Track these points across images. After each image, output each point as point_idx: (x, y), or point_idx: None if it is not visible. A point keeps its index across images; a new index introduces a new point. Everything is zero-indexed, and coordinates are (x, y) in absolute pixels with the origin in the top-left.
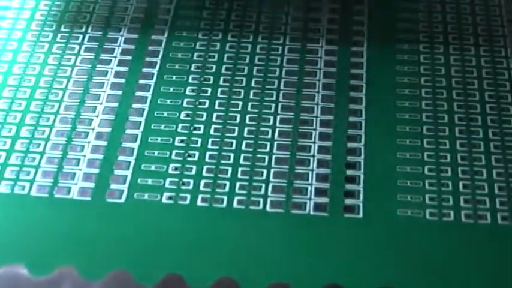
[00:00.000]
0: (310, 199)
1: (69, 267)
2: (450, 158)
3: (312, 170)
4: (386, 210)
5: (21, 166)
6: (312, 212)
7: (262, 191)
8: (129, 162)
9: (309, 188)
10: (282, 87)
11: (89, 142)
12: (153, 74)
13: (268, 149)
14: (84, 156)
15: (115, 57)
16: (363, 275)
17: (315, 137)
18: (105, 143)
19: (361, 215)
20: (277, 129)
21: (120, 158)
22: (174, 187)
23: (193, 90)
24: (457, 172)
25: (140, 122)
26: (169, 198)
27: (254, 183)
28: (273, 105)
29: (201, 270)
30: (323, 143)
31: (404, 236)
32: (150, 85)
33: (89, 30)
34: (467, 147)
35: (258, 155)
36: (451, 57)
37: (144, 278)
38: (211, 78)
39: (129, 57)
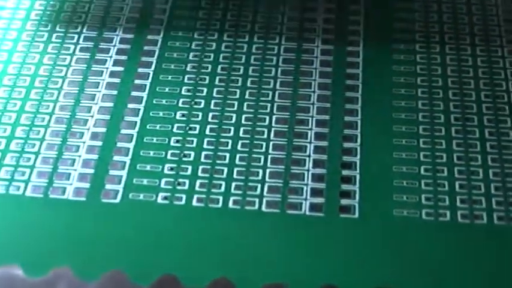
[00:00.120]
0: (306, 199)
1: (65, 268)
2: (446, 158)
3: (308, 170)
4: (382, 210)
5: (16, 166)
6: (307, 212)
7: (258, 191)
8: (125, 162)
9: (305, 188)
10: (277, 87)
11: (84, 142)
12: (148, 74)
13: (264, 149)
14: (80, 156)
15: (110, 57)
16: (359, 275)
17: (310, 137)
18: (100, 143)
19: (357, 215)
20: (273, 129)
21: (116, 158)
22: (170, 187)
23: (188, 90)
24: (453, 172)
25: (135, 122)
26: (165, 198)
27: (250, 184)
28: (269, 105)
29: (197, 270)
30: (319, 142)
31: (401, 236)
32: (145, 85)
33: (84, 30)
34: (463, 147)
35: (254, 155)
36: (447, 57)
37: (139, 278)
38: (207, 78)
39: (124, 57)
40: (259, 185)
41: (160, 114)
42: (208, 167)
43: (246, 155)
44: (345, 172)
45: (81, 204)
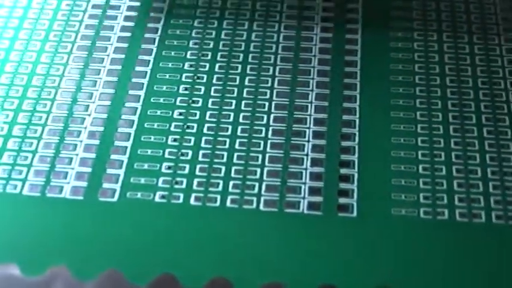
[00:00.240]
0: (304, 198)
1: (62, 267)
2: (444, 157)
3: (306, 169)
4: (380, 209)
5: (14, 165)
6: (305, 211)
7: (256, 190)
8: (122, 161)
9: (303, 186)
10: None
11: (81, 141)
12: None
13: (261, 148)
14: (77, 155)
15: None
16: (357, 274)
17: (308, 136)
18: (97, 142)
19: (355, 214)
20: (270, 128)
21: (113, 156)
22: (167, 186)
23: (186, 89)
24: (452, 171)
25: (133, 121)
26: (162, 197)
27: (248, 182)
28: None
29: (195, 269)
30: (316, 141)
31: (399, 235)
32: (143, 83)
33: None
34: (461, 145)
35: (252, 154)
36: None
37: (137, 277)
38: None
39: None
40: (257, 184)
41: (158, 112)
42: (206, 165)
43: (243, 153)
44: (343, 171)
45: (78, 203)
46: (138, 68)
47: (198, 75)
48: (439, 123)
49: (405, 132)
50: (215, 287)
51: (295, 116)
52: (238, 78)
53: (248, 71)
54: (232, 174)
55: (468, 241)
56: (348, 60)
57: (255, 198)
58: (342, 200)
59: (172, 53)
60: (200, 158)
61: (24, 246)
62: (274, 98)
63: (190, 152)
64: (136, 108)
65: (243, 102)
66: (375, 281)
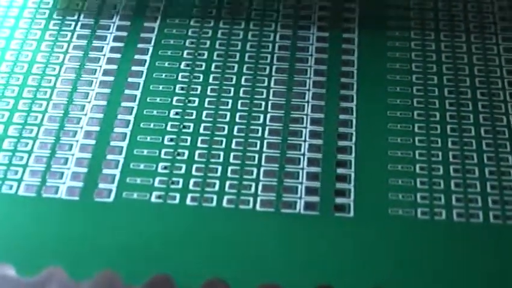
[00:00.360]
0: (300, 198)
1: (57, 267)
2: (441, 157)
3: (303, 169)
4: (377, 209)
5: (9, 165)
6: (302, 211)
7: (252, 190)
8: (118, 161)
9: (300, 186)
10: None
11: (77, 141)
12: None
13: (258, 148)
14: (73, 155)
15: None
16: (354, 274)
17: (305, 136)
18: (93, 142)
19: (352, 214)
20: (267, 128)
21: (109, 157)
22: (163, 186)
23: (182, 89)
24: (449, 170)
25: (129, 121)
26: (159, 197)
27: (244, 182)
28: (264, 103)
29: (190, 270)
30: (313, 141)
31: (396, 235)
32: (139, 83)
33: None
34: (459, 145)
35: (248, 154)
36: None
37: (132, 278)
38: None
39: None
40: (253, 184)
41: (155, 112)
42: (202, 165)
43: (240, 153)
44: (339, 170)
45: (74, 204)
46: (134, 68)
47: (195, 74)
48: (437, 123)
49: (402, 131)
50: (211, 287)
51: (291, 115)
52: (234, 78)
53: (245, 70)
54: (229, 174)
55: (466, 241)
56: (344, 60)
57: (251, 198)
58: (339, 200)
59: (169, 52)
60: (196, 158)
61: (19, 246)
62: (270, 97)
63: (186, 152)
64: (133, 108)
65: (240, 102)
66: (372, 281)
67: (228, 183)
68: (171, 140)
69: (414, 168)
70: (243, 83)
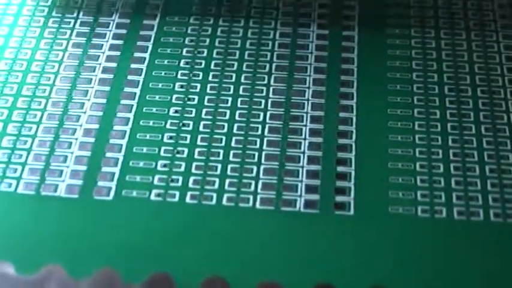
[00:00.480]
0: (300, 196)
1: (56, 266)
2: (442, 155)
3: (303, 167)
4: (377, 207)
5: (8, 163)
6: (302, 209)
7: (252, 188)
8: (117, 159)
9: (300, 185)
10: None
11: (76, 139)
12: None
13: (258, 145)
14: (72, 153)
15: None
16: (354, 272)
17: (305, 134)
18: (93, 140)
19: (352, 212)
20: (267, 126)
21: (108, 154)
22: (163, 184)
23: (182, 87)
24: (449, 168)
25: (128, 119)
26: (158, 195)
27: (244, 180)
28: (264, 101)
29: (190, 268)
30: (313, 139)
31: (396, 233)
32: (138, 81)
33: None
34: (459, 143)
35: (248, 152)
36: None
37: (132, 276)
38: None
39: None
40: (253, 182)
41: (154, 110)
42: (202, 163)
43: (240, 151)
44: (339, 168)
45: (73, 202)
46: (133, 66)
47: (194, 72)
48: (437, 121)
49: (402, 129)
50: (211, 285)
51: (291, 113)
52: (234, 75)
53: (244, 68)
54: (229, 172)
55: (466, 239)
56: (344, 57)
57: (251, 197)
58: (339, 198)
59: (168, 50)
60: (196, 156)
61: (18, 244)
62: (270, 95)
63: (186, 150)
64: (132, 105)
65: (239, 99)
66: (372, 280)
67: (227, 181)
68: (171, 137)
69: (414, 166)
70: (242, 80)
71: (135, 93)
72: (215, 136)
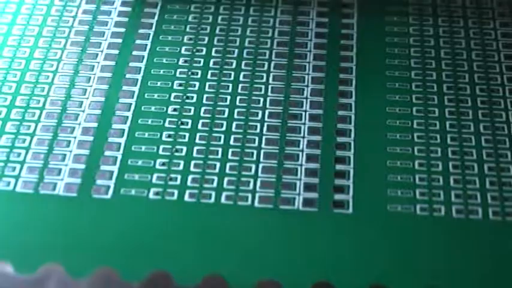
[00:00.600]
0: (299, 194)
1: (55, 265)
2: (441, 153)
3: (301, 165)
4: (376, 205)
5: (6, 162)
6: (301, 208)
7: (251, 186)
8: (116, 157)
9: (298, 183)
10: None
11: (75, 137)
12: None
13: (256, 144)
14: (71, 151)
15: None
16: (352, 271)
17: (304, 132)
18: (91, 138)
19: (350, 210)
20: (265, 124)
21: (107, 153)
22: (162, 183)
23: (180, 85)
24: (448, 166)
25: (127, 117)
26: (157, 193)
27: (242, 179)
28: (262, 99)
29: (189, 266)
30: (312, 137)
31: (395, 232)
32: (137, 79)
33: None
34: (458, 141)
35: (247, 150)
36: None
37: (131, 274)
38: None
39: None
40: (252, 180)
41: (152, 108)
42: (201, 162)
43: (238, 149)
44: (338, 167)
45: (72, 200)
46: (132, 64)
47: (194, 65)
48: (435, 119)
49: (401, 128)
50: (210, 284)
51: (290, 112)
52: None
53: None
54: (227, 171)
55: (465, 237)
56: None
57: (250, 195)
58: (338, 196)
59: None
60: (195, 154)
61: (17, 243)
62: (269, 93)
63: (184, 148)
64: (131, 104)
65: (238, 98)
66: (371, 278)
67: (226, 179)
68: (169, 136)
69: (413, 164)
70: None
71: (134, 92)
72: (214, 134)
